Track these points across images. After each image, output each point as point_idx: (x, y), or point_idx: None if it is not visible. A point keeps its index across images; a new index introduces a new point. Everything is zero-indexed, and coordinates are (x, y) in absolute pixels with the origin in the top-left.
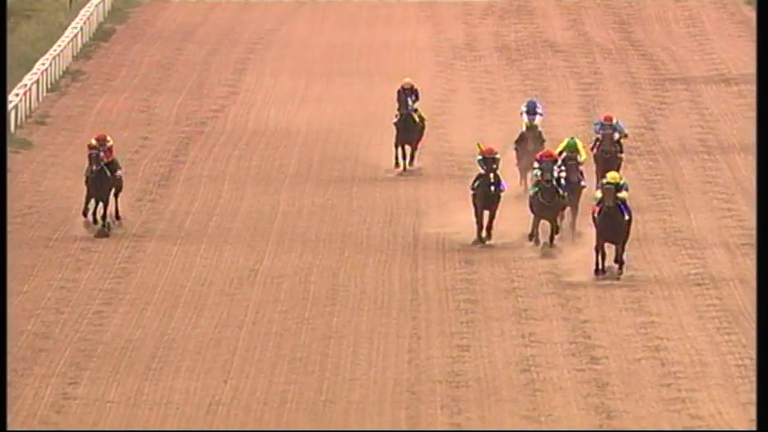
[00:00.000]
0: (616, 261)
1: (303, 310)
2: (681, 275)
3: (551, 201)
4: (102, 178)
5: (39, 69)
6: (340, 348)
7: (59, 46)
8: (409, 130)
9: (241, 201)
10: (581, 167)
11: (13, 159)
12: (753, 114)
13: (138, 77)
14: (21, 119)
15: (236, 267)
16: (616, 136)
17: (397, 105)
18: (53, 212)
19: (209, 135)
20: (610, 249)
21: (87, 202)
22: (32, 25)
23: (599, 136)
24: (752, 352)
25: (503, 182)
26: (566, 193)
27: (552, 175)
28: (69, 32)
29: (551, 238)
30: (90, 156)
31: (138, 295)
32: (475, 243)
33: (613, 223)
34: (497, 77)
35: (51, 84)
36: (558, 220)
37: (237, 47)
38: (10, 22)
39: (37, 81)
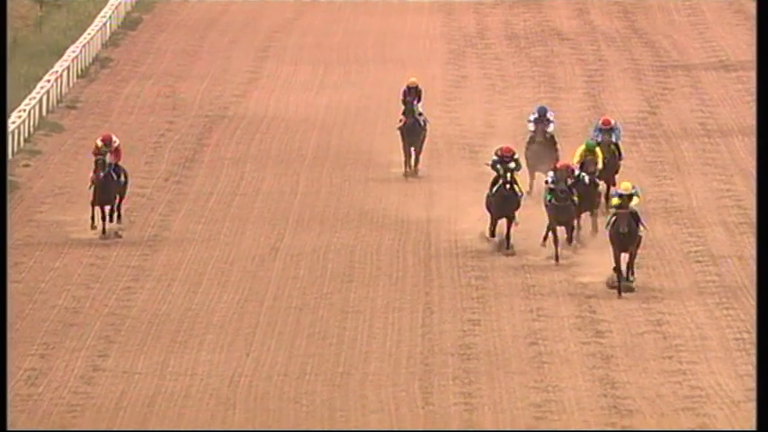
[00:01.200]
0: (628, 267)
1: (321, 286)
2: (682, 253)
3: (565, 204)
4: (109, 183)
5: (69, 56)
6: (357, 322)
7: (89, 34)
8: (414, 136)
9: (262, 182)
10: (597, 172)
11: (45, 142)
12: (750, 99)
13: (164, 64)
14: (52, 103)
15: (257, 245)
16: (613, 139)
17: (402, 106)
18: (83, 193)
19: (231, 119)
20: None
21: (94, 208)
22: (63, 14)
23: (597, 140)
24: (749, 326)
25: (520, 188)
26: (577, 199)
27: (567, 181)
28: (98, 21)
29: (569, 239)
30: (96, 162)
31: (165, 272)
32: (489, 240)
33: (631, 237)
34: (506, 64)
35: (81, 70)
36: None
37: (258, 35)
38: (42, 12)
39: (68, 68)
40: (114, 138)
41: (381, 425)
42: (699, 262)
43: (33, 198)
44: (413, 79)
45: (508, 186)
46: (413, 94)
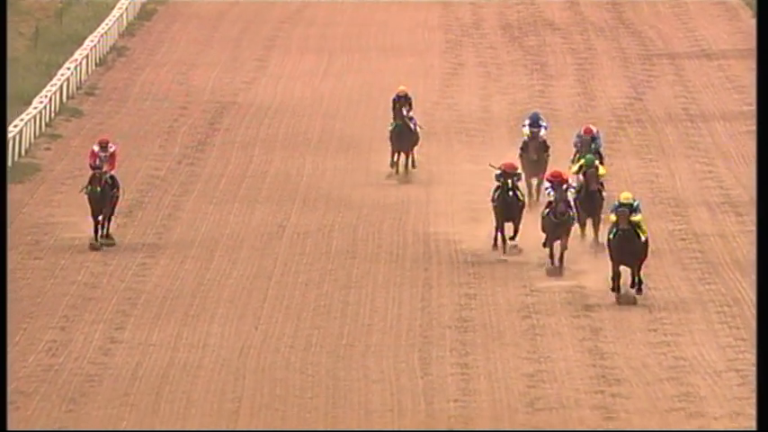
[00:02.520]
0: (632, 285)
1: (326, 263)
2: (666, 231)
3: (562, 220)
4: (104, 196)
5: (88, 45)
6: (359, 297)
7: (107, 24)
8: (403, 140)
9: (270, 164)
10: (601, 179)
11: (65, 126)
12: (731, 86)
13: (177, 53)
14: (72, 90)
15: (265, 224)
16: (592, 147)
17: (392, 114)
18: None
19: (241, 105)
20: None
21: (96, 221)
22: (83, 6)
23: (578, 148)
24: (730, 300)
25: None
26: (575, 214)
27: (562, 194)
28: (115, 12)
29: (561, 258)
30: (93, 176)
31: (178, 249)
32: (495, 247)
33: (630, 246)
34: (501, 53)
35: (99, 59)
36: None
37: (266, 26)
38: (63, 4)
39: (86, 56)
40: (111, 143)
41: (383, 394)
42: (683, 240)
43: (54, 180)
44: (402, 87)
45: (511, 193)
46: (402, 102)
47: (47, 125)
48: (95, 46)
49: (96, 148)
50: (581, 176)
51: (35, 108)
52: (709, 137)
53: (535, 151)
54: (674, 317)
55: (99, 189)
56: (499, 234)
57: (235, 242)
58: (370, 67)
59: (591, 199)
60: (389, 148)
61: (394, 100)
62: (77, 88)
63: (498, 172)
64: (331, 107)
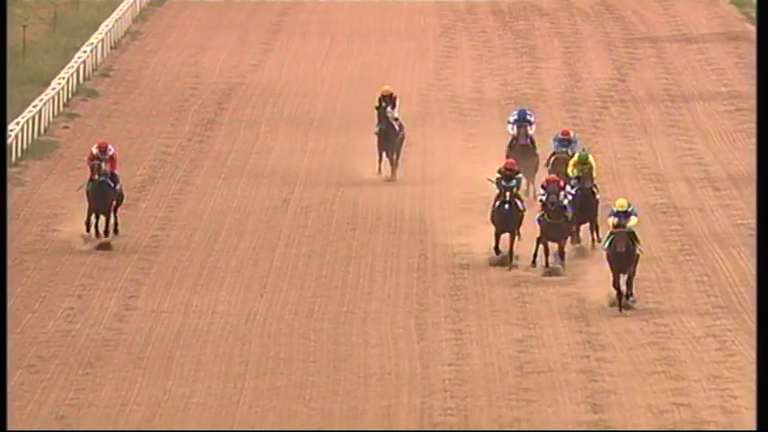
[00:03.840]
0: (628, 296)
1: (327, 235)
2: (648, 205)
3: (558, 222)
4: (104, 190)
5: (103, 30)
6: (359, 267)
7: (121, 10)
8: (390, 140)
9: (275, 141)
10: (595, 180)
11: (82, 106)
12: (709, 68)
13: (188, 37)
14: (88, 72)
15: (270, 198)
16: (570, 152)
17: (376, 114)
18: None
19: (248, 86)
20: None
21: (90, 216)
22: None
23: (554, 150)
24: (708, 270)
25: (522, 202)
26: (572, 216)
27: (558, 198)
28: None
29: (561, 256)
30: (92, 167)
31: (188, 222)
32: (492, 263)
33: (628, 257)
34: (492, 36)
35: (114, 42)
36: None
37: (272, 11)
38: None
39: (102, 40)
40: (110, 146)
41: (381, 358)
42: (663, 213)
43: (71, 156)
44: (386, 87)
45: (507, 206)
46: (387, 101)
47: (65, 105)
48: (110, 30)
49: (95, 152)
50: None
51: (53, 89)
52: (688, 116)
53: (524, 150)
54: (655, 286)
55: (98, 182)
56: (509, 243)
57: (241, 215)
58: (369, 50)
59: (585, 200)
60: (375, 149)
61: (379, 99)
62: (93, 70)
63: (498, 176)
64: (333, 88)
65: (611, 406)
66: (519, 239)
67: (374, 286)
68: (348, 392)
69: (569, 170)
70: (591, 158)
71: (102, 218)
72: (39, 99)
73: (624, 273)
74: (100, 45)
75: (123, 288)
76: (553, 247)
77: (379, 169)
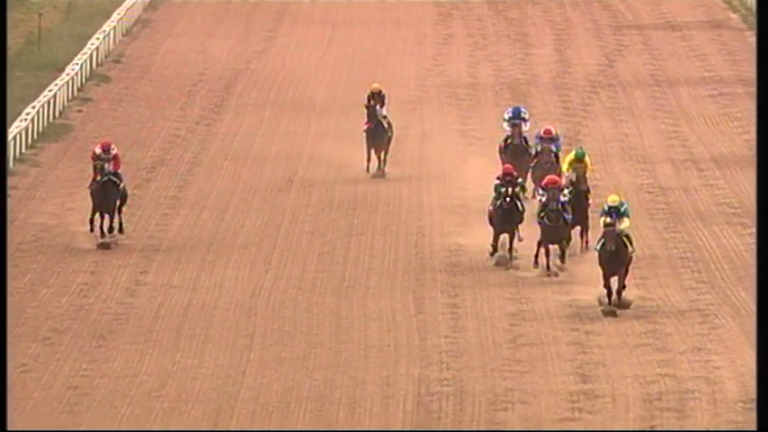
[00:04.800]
0: (618, 293)
1: (330, 213)
2: (635, 185)
3: (557, 224)
4: (108, 189)
5: (115, 18)
6: (359, 244)
7: None
8: (379, 138)
9: (279, 125)
10: (588, 182)
11: (95, 91)
12: (693, 54)
13: (196, 25)
14: (101, 58)
15: (275, 178)
16: (554, 148)
17: (366, 112)
18: (127, 134)
19: (253, 71)
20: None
21: (93, 215)
22: None
23: (537, 149)
24: (693, 246)
25: (522, 202)
26: (571, 217)
27: (558, 201)
28: None
29: (562, 258)
30: (95, 167)
31: (196, 201)
32: (492, 254)
33: (618, 257)
34: (487, 24)
35: (125, 30)
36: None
37: (276, 1)
38: None
39: (114, 27)
40: (113, 146)
41: (380, 331)
42: (650, 192)
43: (85, 139)
44: (375, 85)
45: (508, 200)
46: (376, 99)
47: (78, 90)
48: (122, 18)
49: (98, 152)
50: (572, 175)
51: (68, 74)
52: (673, 100)
53: (519, 149)
54: (641, 262)
55: (102, 181)
56: (508, 243)
57: (247, 195)
58: (369, 37)
59: (578, 203)
60: (364, 146)
61: (368, 98)
62: (106, 56)
63: (497, 182)
64: (334, 73)
65: (599, 377)
66: (520, 241)
67: (374, 262)
68: (349, 363)
69: (564, 168)
70: (587, 158)
71: (107, 217)
72: (54, 84)
73: (615, 273)
74: (112, 33)
75: (134, 264)
76: (554, 249)
77: (368, 168)
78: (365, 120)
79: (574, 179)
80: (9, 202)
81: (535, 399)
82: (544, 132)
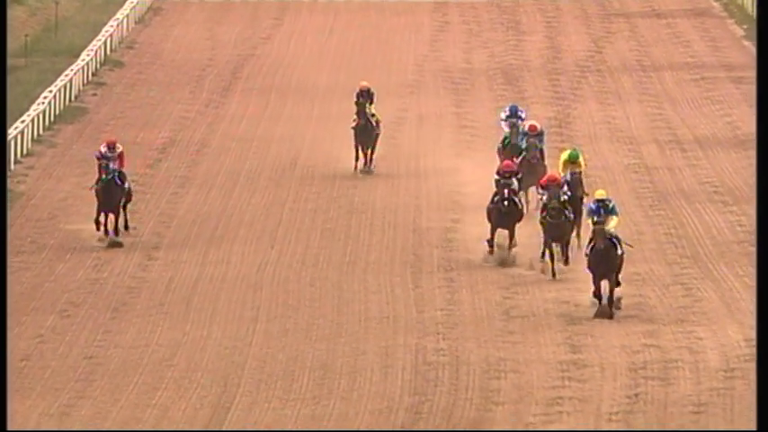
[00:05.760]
0: (610, 301)
1: (332, 191)
2: (622, 165)
3: (559, 222)
4: (112, 189)
5: (128, 6)
6: (360, 221)
7: None
8: (366, 135)
9: (284, 108)
10: (583, 181)
11: (109, 75)
12: (678, 41)
13: (205, 12)
14: (115, 44)
15: (280, 158)
16: (538, 144)
17: (355, 109)
18: (138, 117)
19: (259, 57)
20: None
21: (99, 214)
22: None
23: (523, 145)
24: (677, 223)
25: (521, 200)
26: (572, 215)
27: (559, 199)
28: None
29: (565, 257)
30: (99, 166)
31: (205, 180)
32: (490, 251)
33: (608, 258)
34: (481, 12)
35: (138, 17)
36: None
37: None
38: None
39: (127, 15)
40: (118, 144)
41: (380, 304)
42: (636, 172)
43: (99, 121)
44: (364, 83)
45: (507, 203)
46: (365, 96)
47: (93, 74)
48: (135, 6)
49: (104, 150)
50: (567, 177)
51: (83, 60)
52: (658, 84)
53: (517, 148)
54: (629, 238)
55: (107, 181)
56: (508, 240)
57: (254, 174)
58: (369, 24)
59: (573, 207)
60: (352, 143)
61: (357, 95)
62: (119, 43)
63: (497, 177)
64: (336, 59)
65: (588, 347)
66: (515, 245)
67: (373, 239)
68: (350, 334)
69: (560, 169)
70: (581, 158)
71: (111, 216)
72: (70, 69)
73: (605, 276)
74: (125, 20)
75: (146, 240)
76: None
77: (356, 166)
78: (354, 117)
79: (569, 179)
80: (23, 187)
81: (527, 368)
82: (529, 128)
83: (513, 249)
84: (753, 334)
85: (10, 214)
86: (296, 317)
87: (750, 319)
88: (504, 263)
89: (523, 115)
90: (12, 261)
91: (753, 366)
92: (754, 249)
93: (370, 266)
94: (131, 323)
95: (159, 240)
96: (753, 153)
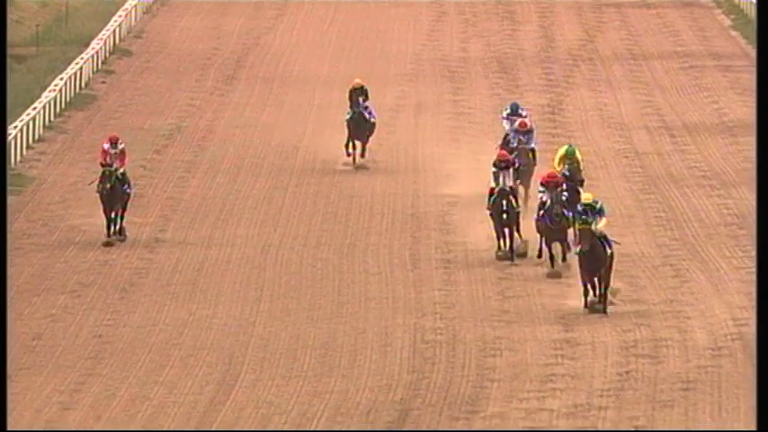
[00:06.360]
0: (599, 299)
1: (333, 176)
2: (613, 150)
3: (558, 223)
4: (115, 193)
5: None
6: (360, 205)
7: None
8: (360, 128)
9: (286, 95)
10: (582, 176)
11: (118, 64)
12: (667, 30)
13: (210, 3)
14: (123, 34)
15: (283, 144)
16: (533, 144)
17: (349, 104)
18: (147, 104)
19: (262, 46)
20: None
21: (108, 218)
22: None
23: (514, 143)
24: (666, 207)
25: (517, 201)
26: (570, 213)
27: (558, 197)
28: None
29: (563, 257)
30: (104, 173)
31: (211, 165)
32: (499, 257)
33: (596, 258)
34: (477, 2)
35: (146, 8)
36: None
37: None
38: None
39: (135, 5)
40: (120, 140)
41: (379, 284)
42: (626, 157)
43: (108, 108)
44: (357, 80)
45: (505, 203)
46: (359, 94)
47: (102, 63)
48: None
49: (107, 146)
50: (565, 170)
51: (92, 49)
52: (648, 72)
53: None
54: (619, 221)
55: (110, 186)
56: (502, 240)
57: (257, 159)
58: (368, 15)
59: (571, 196)
60: (345, 135)
61: (350, 91)
62: (128, 32)
63: (494, 169)
64: (337, 48)
65: (579, 325)
66: (522, 240)
67: (373, 221)
68: (351, 314)
69: (556, 165)
70: (578, 153)
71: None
72: (80, 57)
73: (594, 275)
74: (133, 10)
75: (153, 223)
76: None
77: (352, 158)
78: (347, 111)
79: (567, 173)
80: (35, 172)
81: (521, 346)
82: (519, 125)
83: (521, 245)
84: (739, 314)
85: (21, 198)
86: (298, 297)
87: (737, 299)
88: (508, 258)
89: (524, 113)
90: (23, 243)
91: (739, 345)
92: (741, 232)
93: (369, 249)
94: (139, 303)
95: (166, 223)
96: (740, 139)
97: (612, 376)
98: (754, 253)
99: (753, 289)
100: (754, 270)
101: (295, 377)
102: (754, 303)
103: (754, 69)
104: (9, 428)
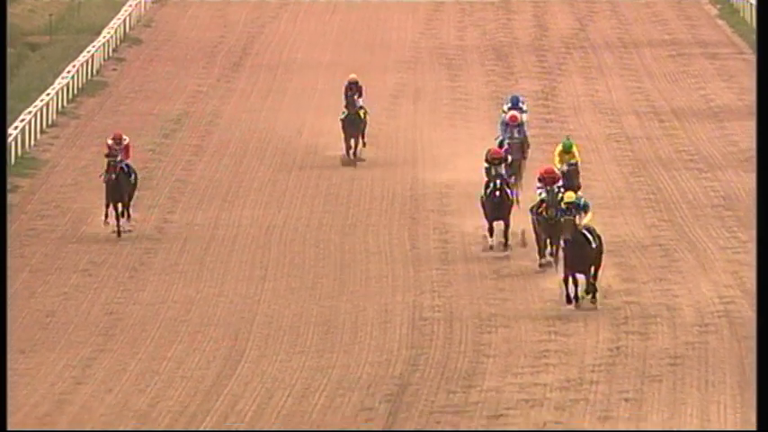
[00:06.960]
0: (588, 292)
1: (335, 161)
2: (604, 134)
3: (555, 218)
4: (121, 183)
5: None
6: (361, 186)
7: None
8: (354, 126)
9: (290, 82)
10: (580, 173)
11: (128, 51)
12: (656, 19)
13: None
14: (133, 23)
15: (286, 129)
16: (517, 133)
17: (344, 101)
18: (156, 90)
19: (267, 34)
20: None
21: (108, 207)
22: None
23: (506, 139)
24: (655, 189)
25: (513, 191)
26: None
27: (555, 199)
28: None
29: (556, 252)
30: (108, 163)
31: (218, 148)
32: (487, 248)
33: (581, 253)
34: None
35: None
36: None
37: None
38: None
39: None
40: (125, 136)
41: (379, 264)
42: (617, 141)
43: (119, 94)
44: (353, 76)
45: (498, 193)
46: (354, 89)
47: (113, 51)
48: None
49: (110, 143)
50: (564, 168)
51: (104, 37)
52: (638, 60)
53: (519, 141)
54: (610, 203)
55: (115, 176)
56: (503, 229)
57: (262, 143)
58: (369, 4)
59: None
60: (342, 134)
61: (346, 87)
62: (138, 21)
63: (486, 165)
64: (339, 37)
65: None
66: (508, 229)
67: (373, 203)
68: (352, 292)
69: (556, 163)
70: (575, 148)
71: (119, 207)
72: (91, 45)
73: (578, 270)
74: (143, 0)
75: (162, 204)
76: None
77: (350, 154)
78: (342, 109)
79: (565, 171)
80: (48, 155)
81: (516, 323)
82: (510, 119)
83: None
84: (725, 292)
85: (35, 181)
86: (301, 276)
87: (723, 278)
88: (502, 249)
89: (524, 107)
90: (38, 224)
91: (725, 322)
92: (727, 213)
93: (370, 229)
94: (149, 282)
95: (174, 205)
96: (726, 124)
97: (603, 352)
98: (739, 234)
99: (738, 268)
100: (754, 250)
101: (298, 353)
102: (753, 287)
103: (745, 57)
104: (9, 429)
